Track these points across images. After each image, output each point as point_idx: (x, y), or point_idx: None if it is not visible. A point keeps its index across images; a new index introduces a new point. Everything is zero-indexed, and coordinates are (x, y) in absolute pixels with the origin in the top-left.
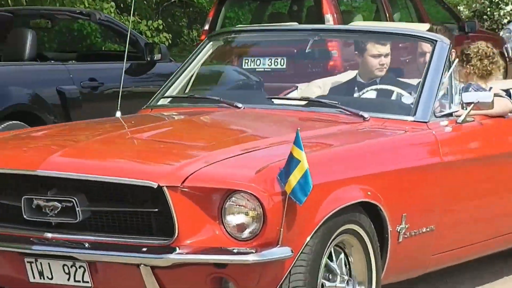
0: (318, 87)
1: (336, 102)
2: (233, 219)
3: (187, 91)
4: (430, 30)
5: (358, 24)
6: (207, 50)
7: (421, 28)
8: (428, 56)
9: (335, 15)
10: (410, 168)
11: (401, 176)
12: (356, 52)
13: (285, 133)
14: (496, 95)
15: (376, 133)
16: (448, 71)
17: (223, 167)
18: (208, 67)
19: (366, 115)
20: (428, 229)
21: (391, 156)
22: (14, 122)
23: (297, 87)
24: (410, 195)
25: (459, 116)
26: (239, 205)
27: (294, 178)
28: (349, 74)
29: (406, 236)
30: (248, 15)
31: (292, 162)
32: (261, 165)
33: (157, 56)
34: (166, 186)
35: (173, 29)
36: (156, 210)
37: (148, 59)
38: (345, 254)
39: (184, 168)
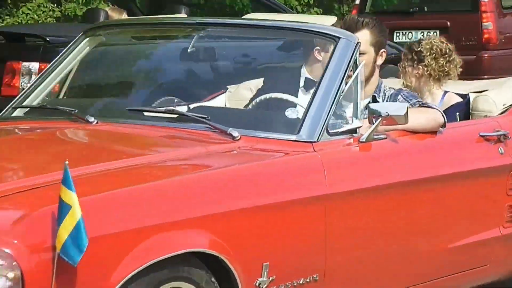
0: (249, 90)
1: (206, 116)
2: None
3: (61, 97)
4: (351, 24)
5: (252, 17)
6: (83, 48)
7: (325, 22)
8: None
9: None
10: (276, 203)
11: (261, 215)
12: (302, 48)
13: (107, 161)
14: (423, 105)
15: (238, 158)
16: (353, 75)
17: None
18: (86, 68)
19: (236, 133)
20: (309, 280)
21: (249, 188)
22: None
23: (227, 89)
24: (276, 238)
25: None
26: None
27: (65, 230)
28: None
29: None
30: None
31: (62, 208)
32: (25, 212)
33: None
34: None
35: (324, 3)
36: None
37: None
38: None
39: None
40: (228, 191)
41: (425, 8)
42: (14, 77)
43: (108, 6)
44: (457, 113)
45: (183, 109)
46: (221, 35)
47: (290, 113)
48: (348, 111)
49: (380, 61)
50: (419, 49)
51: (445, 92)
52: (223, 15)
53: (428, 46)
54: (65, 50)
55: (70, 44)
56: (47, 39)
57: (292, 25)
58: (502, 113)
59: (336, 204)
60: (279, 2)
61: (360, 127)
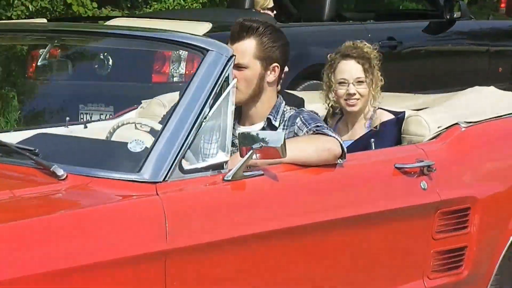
0: (162, 106)
1: (31, 149)
2: None
3: None
4: (234, 31)
5: (116, 24)
6: None
7: (196, 30)
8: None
9: None
10: (97, 263)
11: (75, 279)
12: None
13: None
14: (318, 131)
15: (51, 205)
16: (221, 96)
17: None
18: None
19: (61, 171)
20: None
21: (58, 245)
22: (314, 81)
23: (140, 103)
24: None
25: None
26: None
27: None
28: None
29: None
30: None
31: None
32: None
33: (457, 14)
34: None
35: None
36: None
37: (448, 17)
38: None
39: None
40: (24, 250)
41: None
42: (164, 64)
43: None
44: (372, 140)
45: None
46: (78, 44)
47: (134, 146)
48: (216, 141)
49: (271, 77)
50: (369, 55)
51: (376, 108)
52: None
53: (374, 54)
54: None
55: None
56: None
57: (155, 34)
58: (433, 137)
59: (179, 263)
60: None
61: (227, 161)
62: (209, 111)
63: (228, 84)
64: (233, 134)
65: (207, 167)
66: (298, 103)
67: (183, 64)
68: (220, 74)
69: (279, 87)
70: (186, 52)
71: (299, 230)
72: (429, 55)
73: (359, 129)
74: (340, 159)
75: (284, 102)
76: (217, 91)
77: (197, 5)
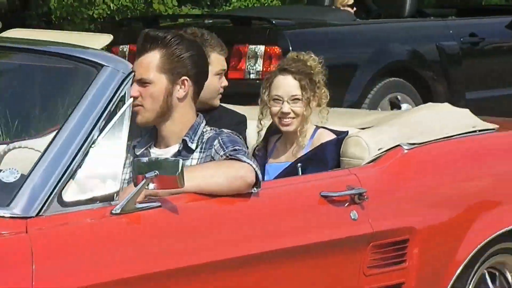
0: None
1: None
2: None
3: None
4: (139, 43)
5: (8, 35)
6: None
7: (94, 43)
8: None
9: None
10: None
11: None
12: None
13: None
14: (232, 157)
15: None
16: (114, 118)
17: None
18: None
19: None
20: None
21: None
22: (394, 79)
23: None
24: None
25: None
26: None
27: None
28: None
29: None
30: None
31: None
32: None
33: None
34: None
35: None
36: None
37: None
38: None
39: None
40: None
41: None
42: (240, 60)
43: None
44: (299, 165)
45: None
46: None
47: (6, 175)
48: (108, 169)
49: (181, 92)
50: (310, 71)
51: (317, 127)
52: None
53: (318, 69)
54: None
55: None
56: (273, 22)
57: (46, 48)
58: (373, 160)
59: None
60: None
61: (117, 192)
62: (99, 135)
63: (123, 103)
64: (147, 157)
65: (93, 199)
66: (239, 120)
67: (260, 61)
68: (115, 92)
69: (217, 101)
70: (263, 47)
71: (201, 268)
72: None
73: (298, 151)
74: (254, 188)
75: (204, 122)
76: (111, 112)
77: (276, 2)
